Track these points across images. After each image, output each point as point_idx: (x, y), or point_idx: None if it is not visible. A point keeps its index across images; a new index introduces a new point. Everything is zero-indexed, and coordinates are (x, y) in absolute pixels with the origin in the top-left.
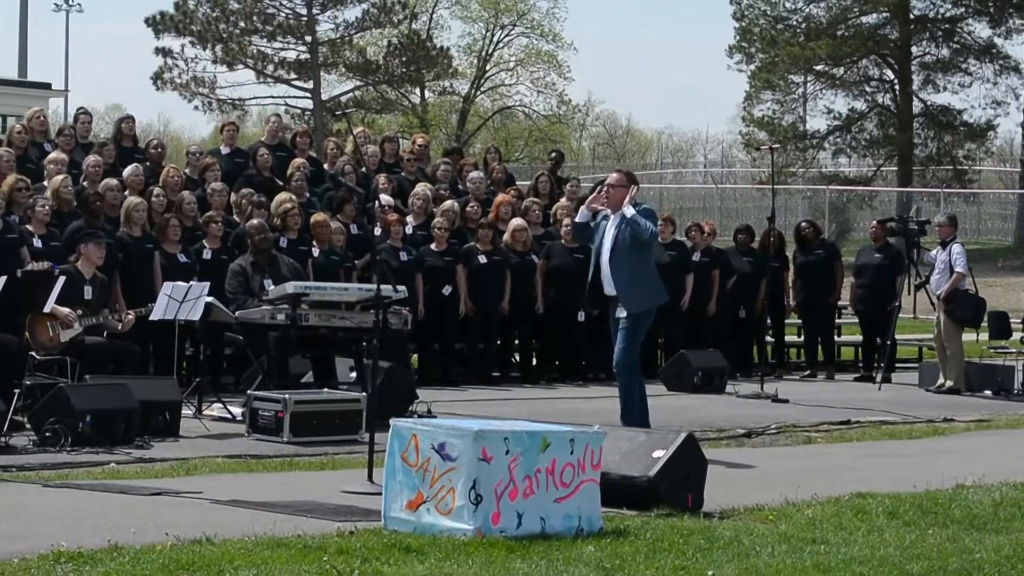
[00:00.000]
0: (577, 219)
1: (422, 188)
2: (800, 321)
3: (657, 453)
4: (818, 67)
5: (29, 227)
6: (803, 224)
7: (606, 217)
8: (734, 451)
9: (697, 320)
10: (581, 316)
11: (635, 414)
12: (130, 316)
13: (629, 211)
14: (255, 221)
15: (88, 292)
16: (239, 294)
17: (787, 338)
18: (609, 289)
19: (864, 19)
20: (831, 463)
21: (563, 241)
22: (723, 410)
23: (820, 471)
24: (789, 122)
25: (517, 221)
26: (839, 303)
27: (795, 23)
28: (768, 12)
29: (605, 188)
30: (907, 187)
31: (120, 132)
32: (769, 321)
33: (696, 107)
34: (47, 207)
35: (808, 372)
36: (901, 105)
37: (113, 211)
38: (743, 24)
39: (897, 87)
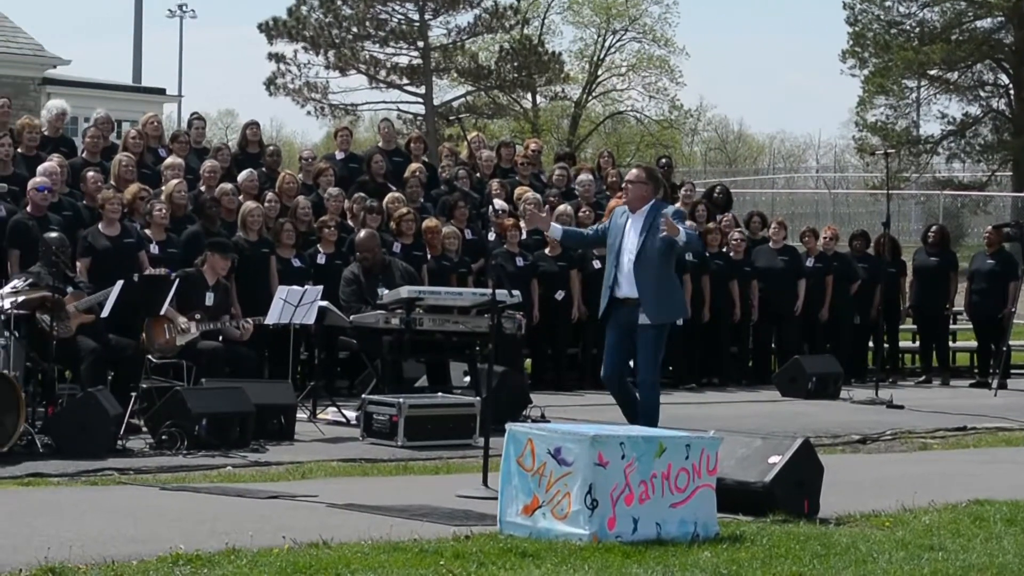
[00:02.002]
0: (553, 235)
1: (532, 193)
2: (915, 327)
3: (773, 459)
4: (932, 72)
5: (148, 232)
6: (932, 228)
7: (623, 214)
8: (849, 457)
9: (811, 325)
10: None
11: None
12: (248, 325)
13: (682, 236)
14: (363, 234)
15: (210, 298)
16: (353, 302)
17: (902, 343)
18: (629, 292)
19: (978, 24)
20: (947, 470)
21: None
22: (837, 416)
23: (936, 477)
24: (902, 127)
25: None
26: (954, 309)
27: (909, 28)
28: (881, 17)
29: (624, 185)
30: (1022, 192)
31: (245, 138)
32: (884, 326)
33: (808, 112)
34: (164, 212)
35: (923, 378)
36: (1016, 110)
37: (229, 216)
38: (856, 29)
39: (1012, 92)
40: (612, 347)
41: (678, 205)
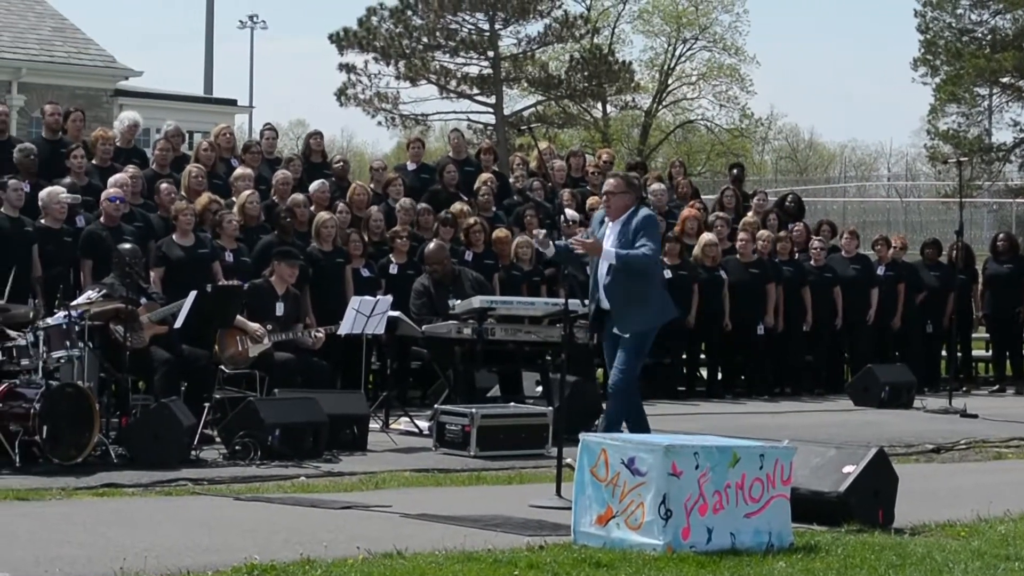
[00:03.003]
0: (544, 252)
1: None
2: (988, 335)
3: (847, 468)
4: (1004, 79)
5: (220, 242)
6: (1000, 236)
7: (602, 222)
8: (923, 467)
9: (883, 334)
10: (760, 330)
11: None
12: (320, 334)
13: (612, 257)
14: (431, 246)
15: (280, 308)
16: (424, 314)
17: (975, 352)
18: (605, 304)
19: None
20: (1023, 479)
21: (739, 256)
22: (911, 425)
23: (1012, 487)
24: (974, 135)
25: (708, 236)
26: None
27: (980, 35)
28: (953, 25)
29: (603, 196)
30: None
31: (309, 148)
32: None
33: (879, 120)
34: (235, 222)
35: (997, 387)
36: None
37: (302, 226)
38: (927, 37)
39: None
40: (612, 358)
41: (649, 210)
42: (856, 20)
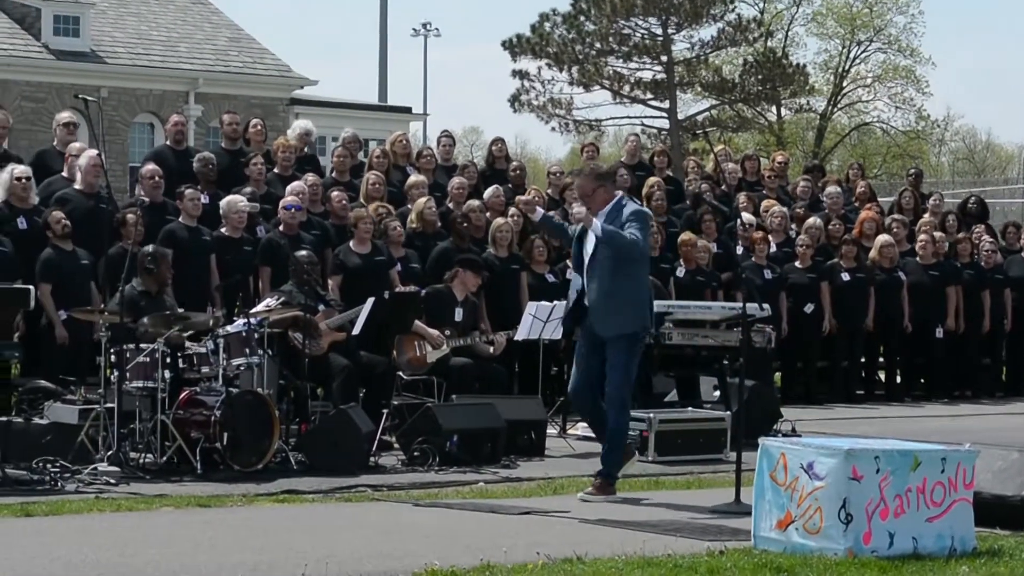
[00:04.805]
0: (531, 217)
1: (778, 206)
2: None
3: None
4: None
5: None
6: None
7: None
8: None
9: None
10: (939, 332)
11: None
12: (502, 339)
13: (598, 228)
14: None
15: (459, 314)
16: None
17: None
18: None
19: None
20: None
21: (918, 258)
22: None
23: None
24: None
25: (884, 237)
26: None
27: None
28: None
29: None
30: None
31: (492, 154)
32: None
33: None
34: (399, 229)
35: None
36: None
37: (478, 232)
38: None
39: None
40: (582, 357)
41: (639, 205)
42: None
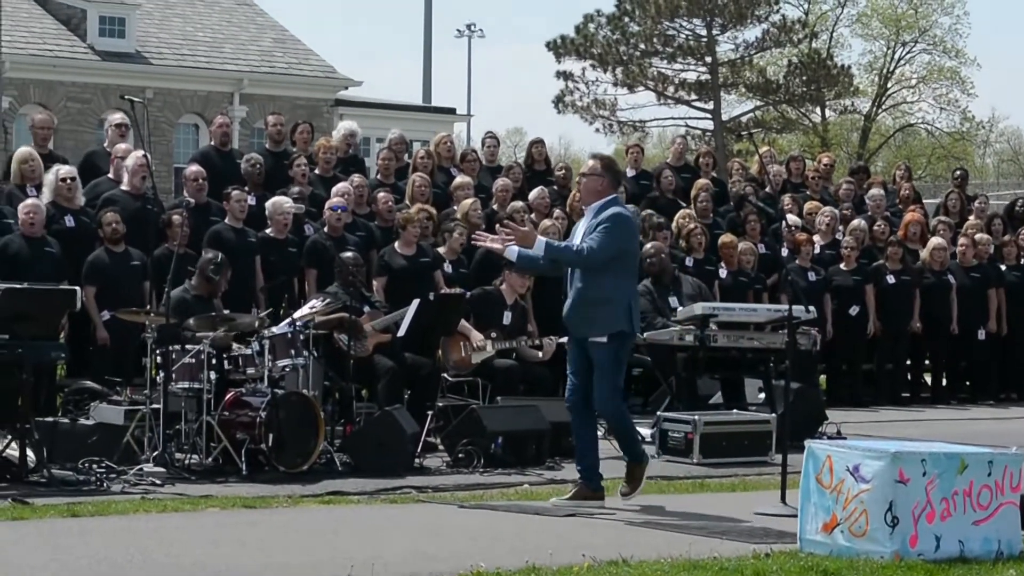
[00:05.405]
0: (509, 256)
1: (828, 207)
2: None
3: None
4: None
5: (441, 250)
6: None
7: (582, 214)
8: None
9: None
10: (981, 335)
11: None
12: (551, 342)
13: (540, 247)
14: (649, 247)
15: (507, 317)
16: (647, 313)
17: None
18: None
19: None
20: None
21: (959, 260)
22: None
23: None
24: None
25: (937, 240)
26: None
27: None
28: None
29: (577, 179)
30: None
31: (531, 156)
32: None
33: None
34: (460, 233)
35: None
36: None
37: None
38: None
39: None
40: (574, 360)
41: (623, 210)
42: None
